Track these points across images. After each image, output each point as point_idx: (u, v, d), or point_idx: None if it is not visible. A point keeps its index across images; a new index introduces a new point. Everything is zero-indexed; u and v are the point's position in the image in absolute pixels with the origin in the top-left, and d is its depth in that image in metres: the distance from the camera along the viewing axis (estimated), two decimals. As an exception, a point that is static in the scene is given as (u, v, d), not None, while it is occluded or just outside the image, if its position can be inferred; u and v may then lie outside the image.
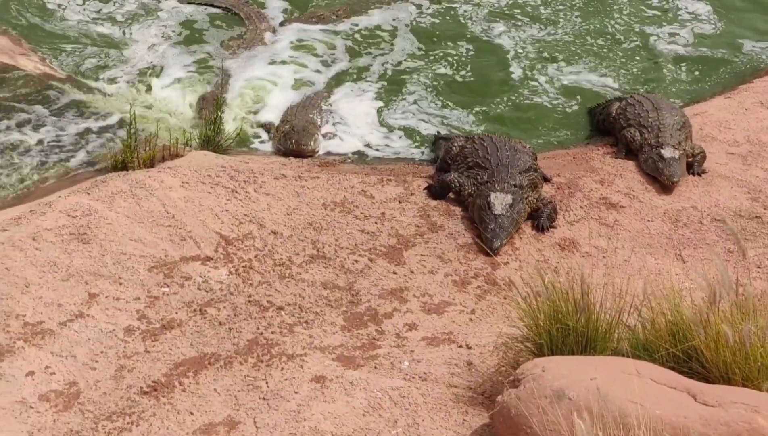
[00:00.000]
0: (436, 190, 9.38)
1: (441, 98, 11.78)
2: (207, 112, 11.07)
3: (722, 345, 5.93)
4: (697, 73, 12.58)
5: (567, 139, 11.18)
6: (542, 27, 13.45)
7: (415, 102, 11.73)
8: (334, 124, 11.23)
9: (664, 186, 9.68)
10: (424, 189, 9.42)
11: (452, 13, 13.68)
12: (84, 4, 13.19)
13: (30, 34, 12.49)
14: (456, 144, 9.83)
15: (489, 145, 9.52)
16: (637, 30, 13.54)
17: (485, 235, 8.64)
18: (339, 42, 12.90)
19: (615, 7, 14.08)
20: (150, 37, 12.67)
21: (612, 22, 13.75)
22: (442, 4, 13.76)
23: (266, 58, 12.34)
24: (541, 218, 9.04)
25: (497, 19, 13.61)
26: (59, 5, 13.07)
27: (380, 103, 11.69)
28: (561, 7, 13.94)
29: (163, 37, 12.71)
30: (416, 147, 10.95)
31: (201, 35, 12.88)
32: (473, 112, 11.53)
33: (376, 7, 13.68)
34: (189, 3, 13.36)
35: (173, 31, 12.86)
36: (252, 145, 10.86)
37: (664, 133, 10.04)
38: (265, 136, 11.02)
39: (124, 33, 12.73)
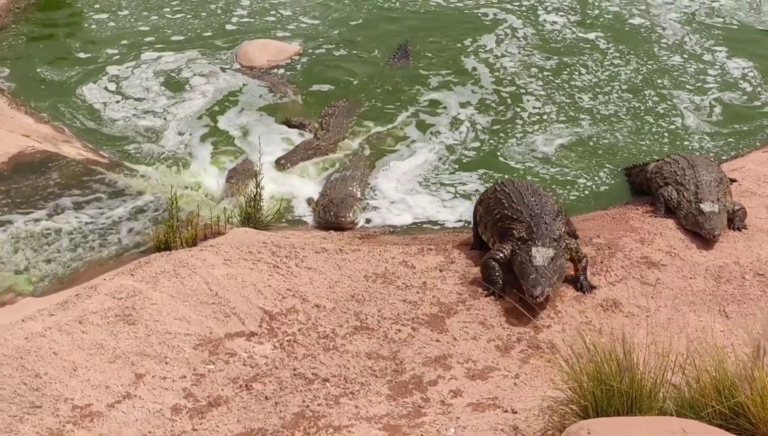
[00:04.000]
0: (487, 275, 9.13)
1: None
2: (236, 181, 11.26)
3: (769, 400, 5.89)
4: (735, 125, 12.64)
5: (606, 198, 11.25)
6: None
7: (455, 172, 11.90)
8: (374, 197, 11.35)
9: (706, 241, 9.66)
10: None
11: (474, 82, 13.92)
12: (123, 101, 13.50)
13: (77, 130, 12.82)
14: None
15: (512, 191, 9.57)
16: (669, 85, 13.65)
17: (526, 285, 8.63)
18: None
19: (650, 63, 14.24)
20: (185, 123, 12.89)
21: (644, 77, 13.89)
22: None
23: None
24: (581, 283, 9.05)
25: (525, 82, 13.82)
26: (104, 104, 13.37)
27: (421, 174, 11.82)
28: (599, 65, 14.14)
29: (197, 121, 12.94)
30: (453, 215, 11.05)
31: (235, 121, 13.09)
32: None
33: None
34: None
35: (206, 115, 13.12)
36: (292, 221, 10.98)
37: (702, 189, 10.04)
38: (303, 211, 11.14)
39: (163, 121, 12.95)
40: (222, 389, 7.67)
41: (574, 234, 9.68)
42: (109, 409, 7.39)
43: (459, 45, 14.98)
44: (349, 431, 7.18)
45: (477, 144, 12.50)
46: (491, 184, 10.30)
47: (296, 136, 12.67)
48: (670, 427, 5.81)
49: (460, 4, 16.35)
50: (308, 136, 12.59)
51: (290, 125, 12.82)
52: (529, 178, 11.45)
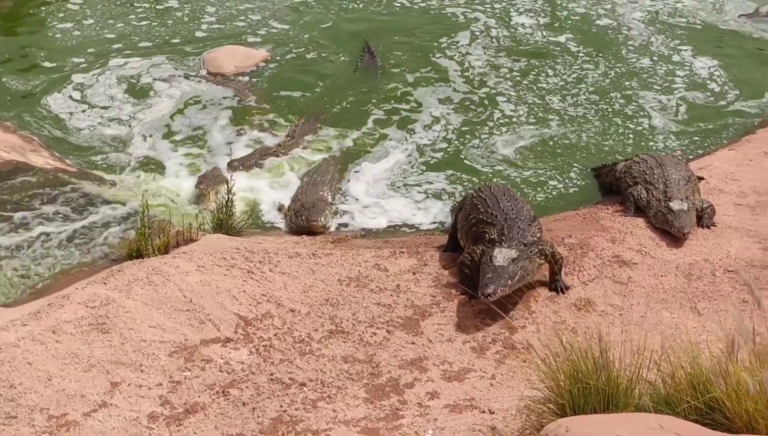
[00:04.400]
0: (461, 278, 9.21)
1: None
2: (206, 187, 11.24)
3: (743, 394, 5.92)
4: (701, 124, 12.77)
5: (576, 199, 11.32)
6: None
7: (423, 173, 11.92)
8: (345, 201, 11.36)
9: (676, 239, 9.75)
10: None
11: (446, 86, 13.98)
12: (90, 110, 13.41)
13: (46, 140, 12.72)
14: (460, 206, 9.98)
15: (488, 197, 9.58)
16: (636, 87, 13.78)
17: (480, 283, 8.63)
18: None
19: (614, 63, 14.37)
20: (151, 130, 12.84)
21: (612, 79, 14.00)
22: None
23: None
24: (556, 285, 9.10)
25: (495, 83, 13.89)
26: (70, 114, 13.29)
27: (392, 177, 11.85)
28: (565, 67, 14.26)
29: (163, 129, 12.89)
30: (427, 218, 11.07)
31: (200, 127, 13.06)
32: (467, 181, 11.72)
33: None
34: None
35: (172, 123, 13.07)
36: (265, 226, 10.96)
37: (671, 187, 10.14)
38: (275, 216, 11.13)
39: (129, 130, 12.89)
40: (199, 396, 7.65)
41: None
42: (86, 418, 7.35)
43: (429, 45, 15.09)
44: (327, 434, 7.18)
45: (446, 145, 12.53)
46: (470, 189, 10.27)
47: (265, 142, 12.66)
48: (647, 423, 5.85)
49: (424, 5, 16.47)
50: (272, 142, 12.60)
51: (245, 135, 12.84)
52: (497, 179, 11.50)
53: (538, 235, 9.28)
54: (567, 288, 9.08)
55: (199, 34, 15.53)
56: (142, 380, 7.78)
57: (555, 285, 9.09)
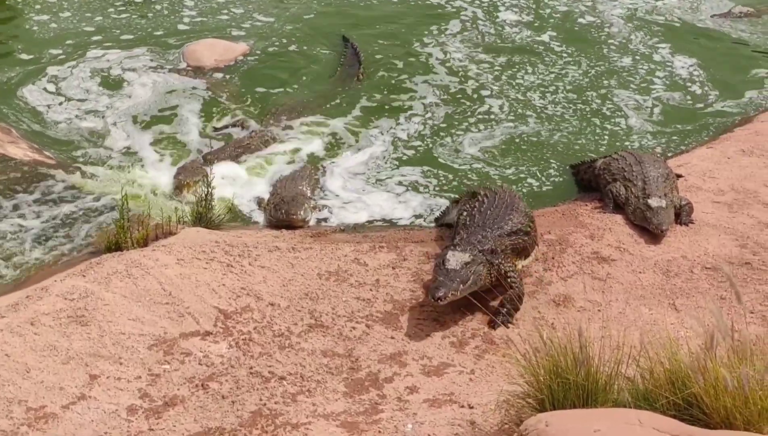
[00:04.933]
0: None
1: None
2: (183, 178, 11.21)
3: (722, 390, 5.97)
4: (678, 125, 12.83)
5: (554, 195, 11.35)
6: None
7: (398, 167, 11.96)
8: (325, 196, 11.35)
9: (654, 236, 9.80)
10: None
11: (435, 81, 13.99)
12: (66, 102, 13.35)
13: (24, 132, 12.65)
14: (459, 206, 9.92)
15: (482, 200, 9.47)
16: (614, 85, 13.84)
17: (431, 286, 8.53)
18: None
19: (593, 61, 14.44)
20: (128, 123, 12.79)
21: (589, 77, 14.06)
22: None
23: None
24: (500, 313, 8.64)
25: (476, 78, 13.92)
26: (48, 106, 13.21)
27: (369, 170, 11.86)
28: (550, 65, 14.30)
29: (140, 121, 12.85)
30: (406, 211, 11.07)
31: (177, 120, 13.00)
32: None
33: None
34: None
35: (149, 116, 13.02)
36: (244, 220, 10.94)
37: (650, 184, 10.19)
38: (253, 210, 11.11)
39: (105, 122, 12.83)
40: (178, 389, 7.64)
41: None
42: (64, 410, 7.33)
43: (411, 38, 15.14)
44: (306, 428, 7.19)
45: (421, 141, 12.52)
46: (477, 189, 10.17)
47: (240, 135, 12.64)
48: (626, 418, 5.90)
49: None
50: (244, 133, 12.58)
51: (220, 129, 12.77)
52: (474, 176, 11.54)
53: (507, 248, 8.95)
54: (508, 325, 8.54)
55: (180, 27, 15.51)
56: (121, 373, 7.76)
57: (498, 312, 8.62)
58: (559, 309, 8.75)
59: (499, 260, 8.80)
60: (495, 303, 8.72)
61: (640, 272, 9.28)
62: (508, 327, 8.51)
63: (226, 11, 16.07)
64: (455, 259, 8.59)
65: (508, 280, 8.74)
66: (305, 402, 7.50)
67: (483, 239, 8.93)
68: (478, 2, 16.43)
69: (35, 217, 10.44)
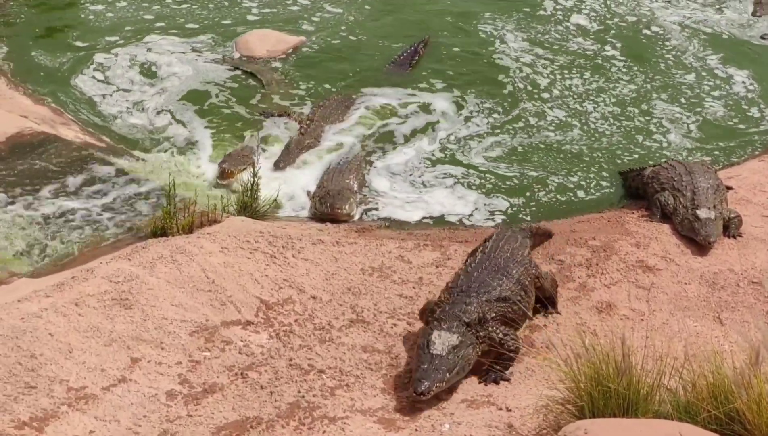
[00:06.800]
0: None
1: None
2: (228, 166, 11.25)
3: (765, 407, 5.91)
4: (730, 137, 12.65)
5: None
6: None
7: (441, 164, 11.93)
8: (371, 190, 11.34)
9: (701, 247, 9.71)
10: None
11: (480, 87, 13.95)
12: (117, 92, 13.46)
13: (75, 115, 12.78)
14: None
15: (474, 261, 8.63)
16: (667, 97, 13.64)
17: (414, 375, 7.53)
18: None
19: (652, 75, 14.23)
20: (180, 110, 12.86)
21: (646, 91, 13.88)
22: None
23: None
24: (488, 374, 7.84)
25: (534, 83, 13.84)
26: (103, 96, 13.30)
27: (418, 166, 11.84)
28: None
29: (189, 109, 12.92)
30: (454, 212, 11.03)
31: (228, 109, 13.06)
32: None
33: None
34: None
35: (198, 104, 13.10)
36: (289, 211, 10.95)
37: (699, 195, 10.09)
38: (300, 201, 11.11)
39: (154, 109, 12.93)
40: (217, 377, 7.68)
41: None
42: (104, 392, 7.39)
43: (477, 40, 15.03)
44: (344, 423, 7.20)
45: (467, 141, 12.40)
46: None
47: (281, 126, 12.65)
48: (667, 430, 5.85)
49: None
50: (292, 125, 12.57)
51: (268, 115, 12.80)
52: (518, 180, 11.48)
53: (494, 314, 7.99)
54: (499, 381, 7.79)
55: (251, 18, 15.60)
56: (162, 358, 7.81)
57: (487, 372, 7.84)
58: (601, 316, 8.69)
59: (491, 330, 7.87)
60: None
61: (685, 283, 9.20)
62: (498, 384, 7.75)
63: (289, 1, 16.14)
64: (441, 341, 7.59)
65: (506, 347, 7.82)
66: (343, 396, 7.52)
67: (465, 310, 7.89)
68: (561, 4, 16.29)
69: (83, 199, 10.52)
